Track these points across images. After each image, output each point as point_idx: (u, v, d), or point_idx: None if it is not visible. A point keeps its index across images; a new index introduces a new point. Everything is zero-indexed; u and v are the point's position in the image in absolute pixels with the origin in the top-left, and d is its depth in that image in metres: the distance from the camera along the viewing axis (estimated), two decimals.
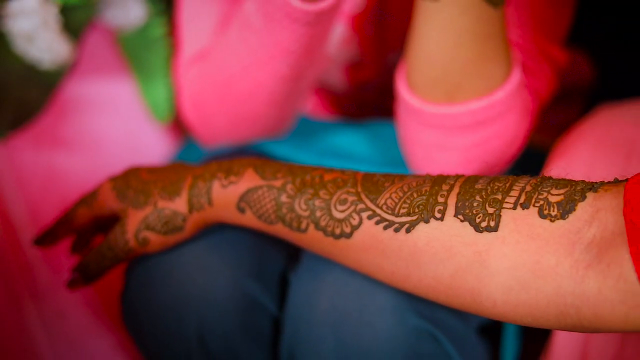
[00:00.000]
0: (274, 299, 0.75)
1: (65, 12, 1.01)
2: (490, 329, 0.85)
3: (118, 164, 0.99)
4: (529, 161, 0.95)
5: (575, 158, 0.78)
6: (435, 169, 0.81)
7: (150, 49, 1.09)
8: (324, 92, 1.01)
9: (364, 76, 0.96)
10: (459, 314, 0.74)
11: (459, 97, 0.75)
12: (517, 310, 0.60)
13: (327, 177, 0.67)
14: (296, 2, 0.76)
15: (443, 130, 0.77)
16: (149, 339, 0.75)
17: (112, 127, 1.09)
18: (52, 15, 0.97)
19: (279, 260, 0.77)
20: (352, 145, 0.94)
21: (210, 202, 0.71)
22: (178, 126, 1.10)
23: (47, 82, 1.01)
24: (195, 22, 0.95)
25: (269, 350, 0.75)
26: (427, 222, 0.62)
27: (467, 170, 0.81)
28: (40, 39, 0.97)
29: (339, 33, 0.92)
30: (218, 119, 0.92)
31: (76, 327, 0.95)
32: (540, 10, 0.83)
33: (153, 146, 1.09)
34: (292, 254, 0.78)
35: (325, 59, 0.93)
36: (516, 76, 0.76)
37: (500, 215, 0.60)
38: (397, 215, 0.63)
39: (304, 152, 0.92)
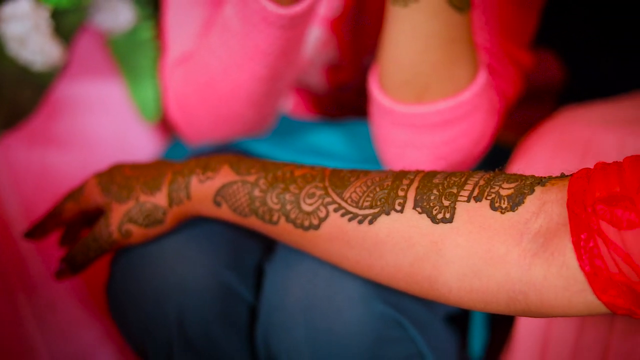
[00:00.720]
0: (250, 288, 0.80)
1: (57, 16, 1.05)
2: (459, 318, 0.90)
3: (108, 161, 1.03)
4: (500, 158, 1.00)
5: (535, 159, 0.83)
6: (406, 166, 0.85)
7: (139, 51, 1.13)
8: (305, 92, 1.05)
9: (342, 78, 1.00)
10: (425, 303, 0.78)
11: (428, 98, 0.79)
12: (470, 296, 0.64)
13: (297, 172, 0.72)
14: (271, 6, 0.80)
15: (413, 128, 0.81)
16: (132, 326, 0.79)
17: (102, 126, 1.13)
18: (43, 19, 1.01)
19: (254, 251, 0.81)
20: (330, 143, 0.98)
21: (188, 197, 0.75)
22: (165, 125, 1.14)
23: (39, 83, 1.05)
24: (180, 26, 0.99)
25: (245, 336, 0.80)
26: (388, 214, 0.66)
27: (437, 166, 0.85)
28: (32, 42, 1.01)
29: (317, 36, 0.97)
30: (201, 118, 0.97)
31: (66, 317, 0.99)
32: (507, 15, 0.87)
33: (141, 144, 1.14)
34: (268, 245, 0.82)
35: (302, 60, 0.97)
36: (482, 78, 0.80)
37: (455, 208, 0.64)
38: (360, 208, 0.67)
39: (284, 150, 0.96)
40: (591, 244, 0.57)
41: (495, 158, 0.98)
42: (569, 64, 1.15)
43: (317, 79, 1.01)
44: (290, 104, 1.07)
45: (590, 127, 0.81)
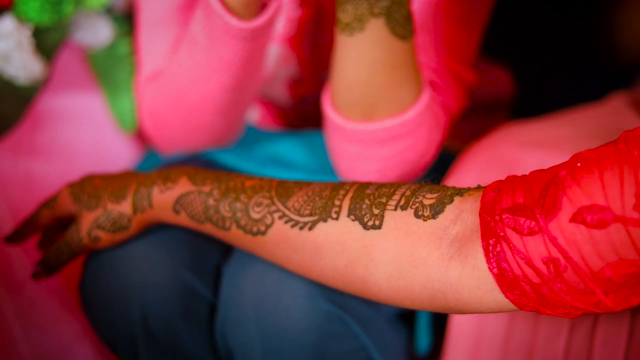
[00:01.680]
0: (209, 287, 0.87)
1: (39, 34, 1.12)
2: (408, 316, 0.97)
3: (88, 169, 1.11)
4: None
5: (468, 174, 0.90)
6: (358, 177, 0.92)
7: (117, 65, 1.20)
8: (270, 105, 1.13)
9: (303, 91, 1.07)
10: (370, 302, 0.85)
11: (376, 116, 0.86)
12: (398, 294, 0.71)
13: (248, 183, 0.79)
14: (234, 21, 0.87)
15: (363, 144, 0.89)
16: (102, 323, 0.87)
17: (82, 137, 1.21)
18: (26, 37, 1.08)
19: (213, 254, 0.88)
20: (291, 154, 1.05)
21: (151, 205, 0.82)
22: (142, 136, 1.21)
23: (22, 96, 1.13)
24: (151, 45, 1.06)
25: (205, 331, 0.87)
26: (325, 221, 0.73)
27: (387, 176, 0.92)
28: (15, 59, 1.08)
29: (278, 53, 1.04)
30: (172, 129, 1.04)
31: (46, 314, 1.06)
32: (451, 37, 0.94)
33: (120, 154, 1.21)
34: (225, 248, 0.89)
35: (265, 72, 1.04)
36: (425, 97, 0.87)
37: (384, 216, 0.71)
38: (302, 216, 0.74)
39: (247, 161, 1.03)
40: (498, 249, 0.64)
41: (447, 166, 1.05)
42: (519, 76, 1.22)
43: (280, 92, 1.08)
44: (256, 116, 1.14)
45: (518, 147, 0.88)
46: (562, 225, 0.61)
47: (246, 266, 0.83)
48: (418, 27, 0.92)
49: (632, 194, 0.58)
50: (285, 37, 1.03)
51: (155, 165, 1.09)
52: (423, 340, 0.96)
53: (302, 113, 1.11)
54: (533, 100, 1.25)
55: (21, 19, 1.08)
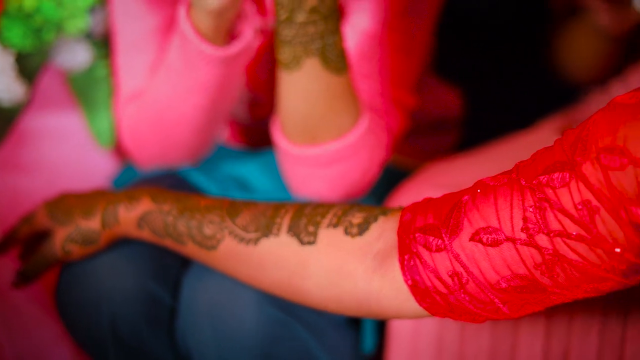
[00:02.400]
0: (171, 295, 0.96)
1: (21, 59, 1.21)
2: (354, 319, 1.06)
3: (69, 184, 1.20)
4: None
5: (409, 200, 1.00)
6: (309, 194, 1.02)
7: (95, 86, 1.30)
8: (236, 124, 1.22)
9: (262, 113, 1.16)
10: None
11: (318, 141, 0.96)
12: (330, 303, 0.81)
13: (203, 203, 0.88)
14: (208, 49, 0.97)
15: (309, 166, 0.98)
16: (75, 327, 0.96)
17: (63, 153, 1.30)
18: (8, 62, 1.17)
19: (174, 265, 0.98)
20: (252, 176, 1.14)
21: (117, 222, 0.92)
22: (119, 151, 1.30)
23: (6, 117, 1.22)
24: (129, 67, 1.15)
25: (168, 335, 0.96)
26: (267, 237, 0.83)
27: (335, 193, 1.02)
28: None
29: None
30: (151, 146, 1.13)
31: (29, 318, 1.16)
32: (391, 66, 1.03)
33: (98, 168, 1.30)
34: (185, 260, 0.98)
35: (238, 93, 1.14)
36: (364, 122, 0.97)
37: (318, 233, 0.80)
38: (248, 232, 0.84)
39: (211, 181, 1.12)
40: (412, 263, 0.74)
41: (400, 181, 1.14)
42: (469, 95, 1.32)
43: (242, 113, 1.18)
44: (225, 134, 1.24)
45: (435, 190, 0.97)
46: (463, 244, 0.70)
47: (203, 277, 0.92)
48: (360, 56, 1.01)
49: (519, 217, 0.68)
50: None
51: (132, 180, 1.18)
52: (368, 340, 1.05)
53: (263, 133, 1.20)
54: (485, 118, 1.34)
55: (5, 45, 1.18)
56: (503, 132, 1.20)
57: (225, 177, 1.14)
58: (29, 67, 1.25)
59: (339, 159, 0.97)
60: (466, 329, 0.96)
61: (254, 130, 1.20)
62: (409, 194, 1.02)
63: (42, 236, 0.98)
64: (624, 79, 1.21)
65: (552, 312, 0.95)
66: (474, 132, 1.31)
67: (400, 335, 0.99)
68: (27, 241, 1.00)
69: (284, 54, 0.90)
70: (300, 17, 0.88)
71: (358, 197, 1.04)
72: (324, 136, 0.95)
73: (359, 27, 1.02)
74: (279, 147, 0.99)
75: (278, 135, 0.99)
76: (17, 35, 1.19)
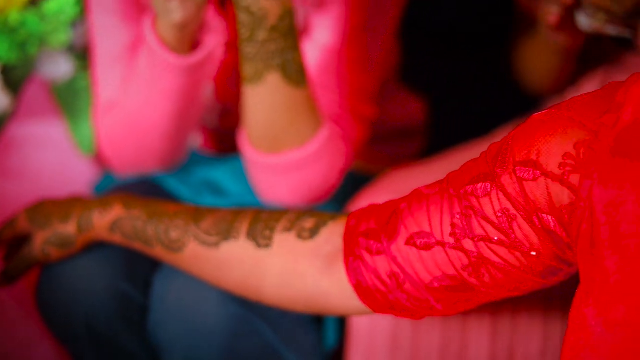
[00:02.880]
0: (142, 294, 1.03)
1: (6, 71, 1.28)
2: (318, 318, 1.13)
3: (53, 189, 1.27)
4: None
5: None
6: (274, 199, 1.09)
7: (77, 96, 1.37)
8: (209, 131, 1.29)
9: (231, 122, 1.23)
10: None
11: (281, 150, 1.02)
12: (284, 301, 0.87)
13: (170, 209, 0.95)
14: (172, 58, 1.04)
15: (272, 172, 1.05)
16: (54, 324, 1.03)
17: (47, 159, 1.37)
18: None
19: (145, 266, 1.04)
20: (224, 180, 1.21)
21: (92, 227, 0.98)
22: (100, 158, 1.37)
23: None
24: (106, 79, 1.21)
25: (139, 331, 1.03)
26: (228, 240, 0.89)
27: (297, 198, 1.09)
28: None
29: (211, 87, 1.20)
30: (125, 154, 1.20)
31: (13, 317, 1.23)
32: (351, 79, 1.10)
33: (80, 174, 1.37)
34: (155, 261, 1.05)
35: (205, 101, 1.20)
36: (324, 132, 1.03)
37: (273, 237, 0.87)
38: (210, 236, 0.91)
39: (185, 186, 1.19)
40: (355, 265, 0.81)
41: (362, 187, 1.21)
42: (433, 104, 1.38)
43: (214, 121, 1.25)
44: (199, 141, 1.30)
45: (392, 196, 1.03)
46: (399, 248, 0.77)
47: (171, 277, 0.99)
48: (321, 70, 1.08)
49: (448, 223, 0.75)
50: (215, 75, 1.19)
51: (110, 185, 1.25)
52: (330, 337, 1.12)
53: (235, 140, 1.27)
54: (449, 125, 1.41)
55: None
56: (466, 140, 1.27)
57: (198, 182, 1.21)
58: (14, 79, 1.32)
59: (301, 167, 1.04)
60: (419, 328, 1.03)
61: (226, 137, 1.27)
62: (368, 200, 1.08)
63: (23, 239, 1.05)
64: (579, 88, 1.28)
65: (497, 313, 1.02)
66: (438, 139, 1.37)
67: (359, 332, 1.06)
68: (10, 244, 1.07)
69: (247, 69, 0.97)
70: (261, 35, 0.95)
71: (321, 202, 1.11)
72: (287, 145, 1.02)
73: (320, 43, 1.09)
74: (246, 155, 1.06)
75: (244, 144, 1.06)
76: (2, 48, 1.26)
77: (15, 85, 1.30)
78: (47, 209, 1.02)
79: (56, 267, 1.02)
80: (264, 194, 1.09)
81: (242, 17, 0.94)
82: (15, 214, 1.07)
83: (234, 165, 1.22)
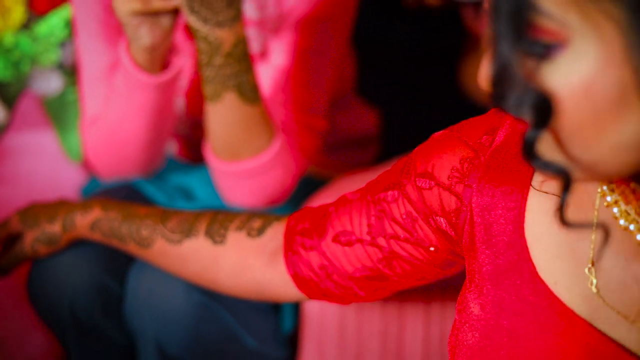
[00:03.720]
0: (120, 285, 1.18)
1: (2, 87, 1.44)
2: (277, 306, 1.28)
3: (44, 193, 1.42)
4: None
5: None
6: (237, 202, 1.23)
7: (67, 109, 1.52)
8: (182, 141, 1.44)
9: (201, 133, 1.38)
10: None
11: (239, 158, 1.17)
12: (237, 291, 1.02)
13: (142, 211, 1.10)
14: (144, 77, 1.18)
15: (233, 179, 1.20)
16: (42, 313, 1.18)
17: (39, 166, 1.52)
18: None
19: (122, 260, 1.19)
20: (195, 186, 1.36)
21: (75, 226, 1.13)
22: (86, 166, 1.52)
23: None
24: (91, 95, 1.36)
25: (117, 318, 1.18)
26: (189, 238, 1.04)
27: (256, 201, 1.23)
28: None
29: (183, 103, 1.35)
30: (108, 162, 1.34)
31: (8, 307, 1.38)
32: (302, 95, 1.25)
33: (69, 179, 1.52)
34: (131, 257, 1.20)
35: (176, 114, 1.35)
36: (277, 143, 1.18)
37: (227, 235, 1.02)
38: (174, 234, 1.05)
39: (160, 192, 1.34)
40: (293, 259, 0.95)
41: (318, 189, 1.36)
42: (387, 115, 1.53)
43: (186, 132, 1.39)
44: (175, 149, 1.45)
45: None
46: (328, 244, 0.92)
47: (143, 271, 1.15)
48: (276, 87, 1.23)
49: (366, 224, 0.89)
50: (186, 92, 1.34)
51: (95, 189, 1.40)
52: (287, 322, 1.27)
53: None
54: (401, 134, 1.55)
55: None
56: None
57: (172, 187, 1.36)
58: (9, 94, 1.47)
59: (258, 173, 1.19)
60: (362, 313, 1.18)
61: (198, 146, 1.42)
62: (320, 202, 1.23)
63: (15, 238, 1.20)
64: None
65: (429, 301, 1.17)
66: (391, 147, 1.52)
67: (311, 318, 1.21)
68: (3, 242, 1.22)
69: (207, 90, 1.12)
70: (218, 61, 1.10)
71: (278, 204, 1.26)
72: (244, 154, 1.17)
73: (275, 64, 1.24)
74: (210, 163, 1.21)
75: (208, 153, 1.20)
76: None
77: (10, 100, 1.45)
78: (36, 211, 1.17)
79: (44, 262, 1.17)
80: (227, 197, 1.24)
81: (201, 45, 1.09)
82: (8, 216, 1.22)
83: (204, 172, 1.37)
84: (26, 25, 1.43)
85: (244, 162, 1.18)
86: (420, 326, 1.18)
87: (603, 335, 0.70)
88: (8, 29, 1.42)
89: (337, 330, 1.20)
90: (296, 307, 1.28)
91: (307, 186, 1.33)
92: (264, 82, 1.26)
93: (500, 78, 0.60)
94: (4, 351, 1.38)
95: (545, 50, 0.59)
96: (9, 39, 1.42)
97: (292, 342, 1.31)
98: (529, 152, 0.61)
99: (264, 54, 1.25)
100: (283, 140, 1.20)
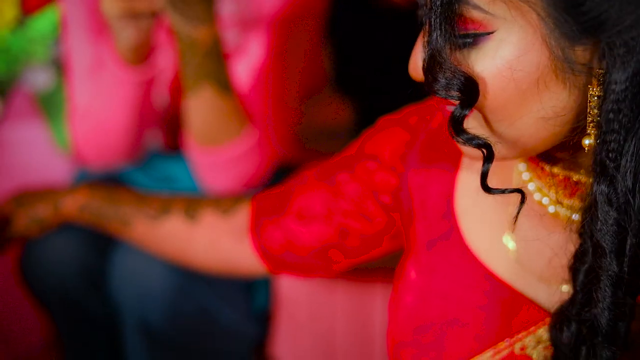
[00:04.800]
0: (103, 262, 1.28)
1: None
2: (253, 283, 1.38)
3: (36, 180, 1.52)
4: None
5: None
6: (217, 187, 1.33)
7: (57, 103, 1.62)
8: (168, 131, 1.54)
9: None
10: None
11: (215, 145, 1.27)
12: (212, 267, 1.12)
13: (125, 195, 1.20)
14: (127, 73, 1.28)
15: (210, 165, 1.30)
16: (33, 288, 1.28)
17: (32, 156, 1.62)
18: None
19: (107, 242, 1.29)
20: (179, 173, 1.46)
21: (64, 209, 1.23)
22: (75, 156, 1.62)
23: None
24: (79, 91, 1.46)
25: (103, 293, 1.28)
26: (167, 215, 1.13)
27: (234, 184, 1.33)
28: None
29: (164, 95, 1.45)
30: (95, 152, 1.44)
31: (2, 284, 1.48)
32: (277, 89, 1.35)
33: (59, 169, 1.62)
34: (115, 238, 1.30)
35: (158, 108, 1.45)
36: (250, 133, 1.28)
37: (200, 215, 1.12)
38: (153, 211, 1.15)
39: (147, 178, 1.44)
40: (259, 236, 1.05)
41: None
42: (359, 105, 1.63)
43: (171, 123, 1.49)
44: (160, 140, 1.55)
45: None
46: (289, 221, 1.01)
47: (127, 249, 1.25)
48: (251, 83, 1.33)
49: (322, 202, 0.98)
50: (169, 86, 1.44)
51: (84, 177, 1.50)
52: (262, 298, 1.37)
53: None
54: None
55: None
56: None
57: (157, 175, 1.46)
58: (2, 89, 1.57)
59: (233, 159, 1.29)
60: (331, 293, 1.28)
61: (180, 137, 1.52)
62: None
63: (9, 220, 1.30)
64: None
65: (386, 281, 1.27)
66: None
67: (283, 297, 1.31)
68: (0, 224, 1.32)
69: (186, 84, 1.22)
70: (196, 58, 1.20)
71: (254, 188, 1.36)
72: (220, 142, 1.27)
73: (251, 59, 1.35)
74: (189, 150, 1.31)
75: (188, 140, 1.31)
76: None
77: (3, 95, 1.55)
78: (29, 196, 1.27)
79: (35, 244, 1.27)
80: (206, 183, 1.34)
81: (180, 45, 1.19)
82: (3, 200, 1.33)
83: (186, 161, 1.47)
84: (19, 25, 1.52)
85: (219, 148, 1.27)
86: (380, 303, 1.28)
87: (519, 293, 0.80)
88: (1, 28, 1.52)
89: (308, 308, 1.31)
90: (270, 286, 1.38)
91: (283, 173, 1.43)
92: (241, 77, 1.36)
93: (432, 64, 0.69)
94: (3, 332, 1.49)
95: (474, 39, 0.68)
96: (2, 37, 1.51)
97: (267, 320, 1.41)
98: (456, 128, 0.71)
99: (241, 50, 1.35)
100: (257, 130, 1.30)
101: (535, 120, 0.70)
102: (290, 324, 1.36)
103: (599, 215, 0.69)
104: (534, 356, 0.79)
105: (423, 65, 0.71)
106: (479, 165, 0.84)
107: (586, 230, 0.72)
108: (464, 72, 0.69)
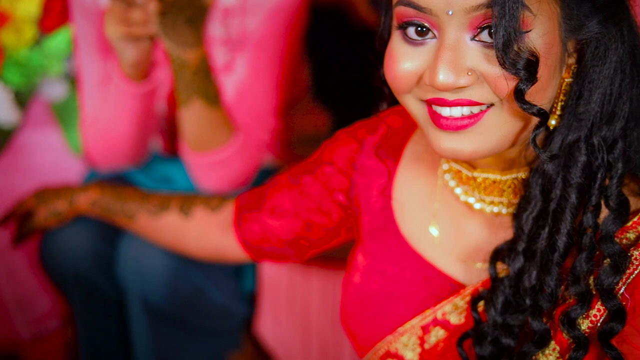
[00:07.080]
0: (113, 250, 1.50)
1: (17, 94, 1.74)
2: (242, 268, 1.59)
3: (51, 181, 1.73)
4: None
5: None
6: (209, 187, 1.54)
7: (71, 112, 1.82)
8: (167, 137, 1.75)
9: None
10: None
11: (206, 150, 1.48)
12: (203, 255, 1.32)
13: (130, 193, 1.40)
14: (130, 87, 1.48)
15: (203, 167, 1.51)
16: (51, 273, 1.50)
17: (47, 159, 1.82)
18: (8, 97, 1.70)
19: (116, 231, 1.50)
20: (177, 175, 1.67)
21: (78, 204, 1.44)
22: (86, 159, 1.83)
23: (6, 135, 1.75)
24: (89, 101, 1.67)
25: (110, 276, 1.50)
26: (165, 211, 1.35)
27: (223, 184, 1.54)
28: (1, 111, 1.70)
29: (163, 105, 1.66)
30: (103, 156, 1.65)
31: (23, 270, 1.69)
32: (260, 101, 1.56)
33: (72, 170, 1.82)
34: (122, 229, 1.51)
35: (159, 116, 1.65)
36: (236, 139, 1.49)
37: (193, 210, 1.33)
38: (154, 208, 1.36)
39: (148, 179, 1.65)
40: (241, 229, 1.25)
41: None
42: (337, 114, 1.84)
43: (169, 130, 1.71)
44: (159, 144, 1.77)
45: None
46: (265, 217, 1.22)
47: (131, 240, 1.46)
48: (237, 96, 1.54)
49: (290, 201, 1.19)
50: (167, 97, 1.66)
51: (94, 177, 1.71)
52: (249, 283, 1.58)
53: None
54: None
55: (5, 85, 1.70)
56: None
57: (157, 175, 1.68)
58: (22, 100, 1.77)
59: (222, 162, 1.50)
60: (307, 277, 1.50)
61: (177, 142, 1.74)
62: None
63: (31, 213, 1.51)
64: None
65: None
66: None
67: (266, 280, 1.53)
68: (22, 217, 1.53)
69: (179, 97, 1.43)
70: (187, 75, 1.40)
71: (241, 188, 1.57)
72: (210, 147, 1.48)
73: (238, 75, 1.55)
74: (184, 155, 1.53)
75: (182, 146, 1.52)
76: (14, 78, 1.72)
77: (22, 104, 1.76)
78: (47, 192, 1.48)
79: (53, 234, 1.48)
80: (199, 183, 1.56)
81: (173, 65, 1.40)
82: (25, 197, 1.54)
83: (183, 164, 1.69)
84: (37, 43, 1.73)
85: (210, 153, 1.48)
86: (318, 286, 1.49)
87: (441, 271, 1.02)
88: (21, 45, 1.72)
89: (288, 290, 1.52)
90: (255, 270, 1.60)
91: (267, 174, 1.65)
92: (229, 90, 1.57)
93: (507, 45, 0.82)
94: (20, 308, 1.70)
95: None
96: (22, 54, 1.72)
97: (253, 301, 1.63)
98: (519, 99, 0.85)
99: (229, 67, 1.56)
100: (243, 137, 1.51)
101: (550, 98, 0.89)
102: (271, 305, 1.58)
103: (569, 162, 0.89)
104: (451, 319, 1.00)
105: (499, 46, 0.82)
106: (415, 169, 1.04)
107: (536, 180, 0.91)
108: (528, 51, 0.83)
